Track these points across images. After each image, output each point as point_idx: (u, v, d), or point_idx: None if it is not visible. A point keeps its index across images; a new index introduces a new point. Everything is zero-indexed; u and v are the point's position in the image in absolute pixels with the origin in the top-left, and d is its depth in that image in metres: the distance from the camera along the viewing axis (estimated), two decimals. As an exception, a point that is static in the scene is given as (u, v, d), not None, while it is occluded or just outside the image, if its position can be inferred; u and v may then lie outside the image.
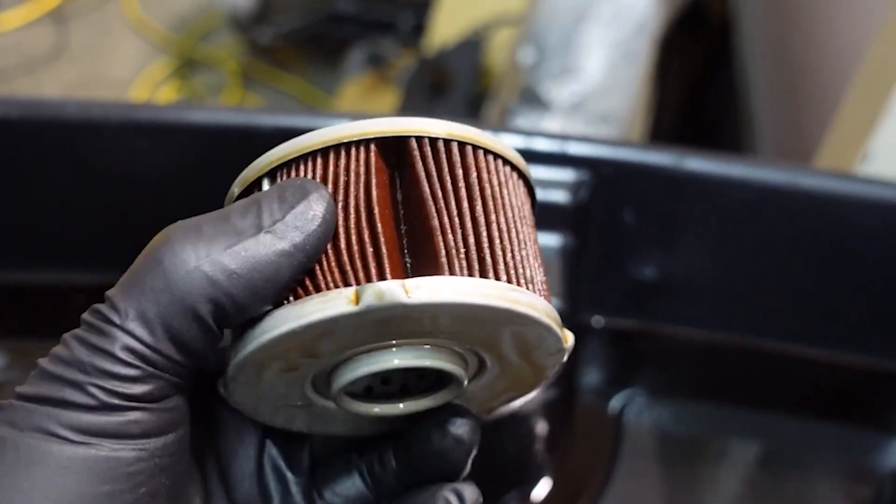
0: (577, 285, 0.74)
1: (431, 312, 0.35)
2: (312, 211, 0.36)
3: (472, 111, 1.54)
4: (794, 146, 1.09)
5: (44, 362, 0.35)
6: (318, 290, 0.36)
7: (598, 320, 0.77)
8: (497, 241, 0.37)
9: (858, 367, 0.75)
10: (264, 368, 0.37)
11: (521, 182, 0.41)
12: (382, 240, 0.36)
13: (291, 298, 0.36)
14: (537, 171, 0.72)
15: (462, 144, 0.39)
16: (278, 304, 0.36)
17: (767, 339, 0.76)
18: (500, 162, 0.40)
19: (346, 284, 0.35)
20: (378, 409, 0.40)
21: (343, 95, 1.84)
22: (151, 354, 0.34)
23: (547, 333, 0.38)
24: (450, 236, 0.36)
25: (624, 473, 0.72)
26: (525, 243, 0.39)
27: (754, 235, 0.74)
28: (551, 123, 1.32)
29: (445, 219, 0.37)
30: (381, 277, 0.35)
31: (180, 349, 0.35)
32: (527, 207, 0.41)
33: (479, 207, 0.38)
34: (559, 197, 0.72)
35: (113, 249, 0.79)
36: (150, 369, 0.34)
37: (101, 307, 0.35)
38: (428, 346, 0.37)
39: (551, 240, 0.72)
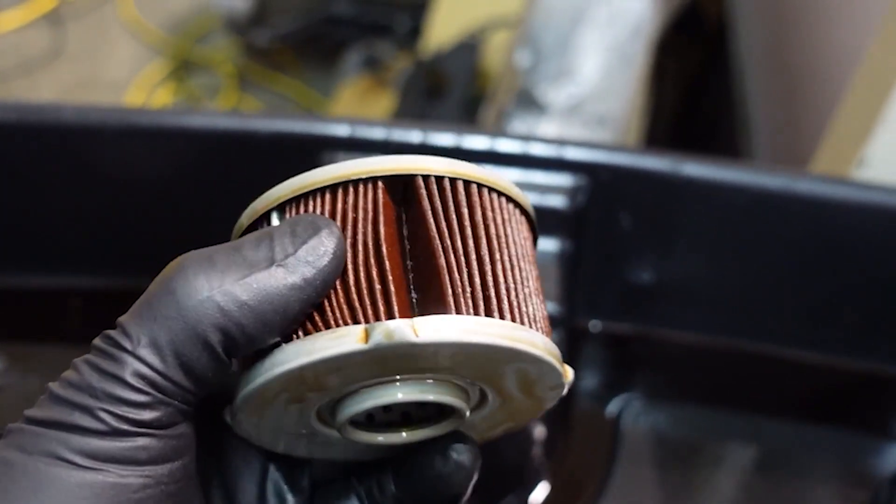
0: (574, 289, 0.74)
1: (437, 350, 0.36)
2: (324, 247, 0.36)
3: (468, 114, 1.54)
4: (790, 151, 1.10)
5: (54, 386, 0.35)
6: (327, 325, 0.36)
7: (595, 324, 0.77)
8: (501, 279, 0.38)
9: (854, 371, 0.75)
10: (271, 400, 0.38)
11: (523, 218, 0.42)
12: (390, 277, 0.37)
13: (301, 333, 0.37)
14: (534, 176, 0.73)
15: (467, 183, 0.40)
16: (287, 338, 0.37)
17: (764, 344, 0.76)
18: (503, 199, 0.41)
19: (355, 321, 0.36)
20: (381, 438, 0.40)
21: (339, 98, 1.84)
22: (162, 381, 0.35)
23: (548, 370, 0.39)
24: (456, 275, 0.37)
25: (621, 477, 0.72)
26: (527, 280, 0.40)
27: (751, 240, 0.74)
28: (548, 126, 1.33)
29: (452, 257, 0.37)
30: (390, 315, 0.36)
31: (190, 377, 0.35)
32: (529, 244, 0.42)
33: (484, 246, 0.38)
34: (556, 202, 0.72)
35: (110, 253, 0.80)
36: (160, 396, 0.35)
37: (113, 333, 0.35)
38: (431, 381, 0.38)
39: (549, 244, 0.72)
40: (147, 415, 0.35)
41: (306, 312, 0.37)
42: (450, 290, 0.37)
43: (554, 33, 1.39)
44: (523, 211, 0.42)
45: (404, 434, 0.40)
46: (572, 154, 0.72)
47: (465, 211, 0.39)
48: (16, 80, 2.14)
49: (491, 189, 0.40)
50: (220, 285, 0.35)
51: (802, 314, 0.76)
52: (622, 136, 1.34)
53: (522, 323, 0.38)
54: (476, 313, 0.37)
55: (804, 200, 0.72)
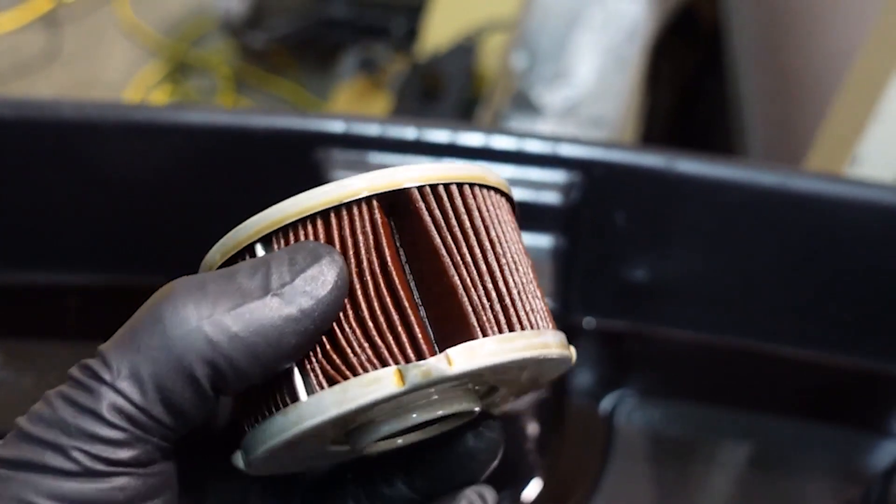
0: (568, 287, 0.74)
1: (468, 376, 0.36)
2: (324, 276, 0.34)
3: (464, 116, 1.54)
4: (784, 151, 1.10)
5: (23, 422, 0.33)
6: (350, 366, 0.35)
7: (589, 321, 0.77)
8: (512, 285, 0.38)
9: (848, 368, 0.75)
10: (296, 446, 0.36)
11: (507, 205, 0.41)
12: (406, 306, 0.35)
13: (320, 374, 0.35)
14: (529, 173, 0.73)
15: (461, 186, 0.38)
16: (304, 372, 0.35)
17: (758, 341, 0.76)
18: (493, 194, 0.40)
19: (381, 360, 0.35)
20: (400, 441, 0.40)
21: (336, 100, 1.85)
22: (140, 416, 0.33)
23: (561, 361, 0.39)
24: (473, 293, 0.36)
25: (615, 474, 0.72)
26: (527, 275, 0.40)
27: (745, 237, 0.74)
28: (543, 128, 1.33)
29: (465, 273, 0.36)
30: (415, 348, 0.35)
31: (171, 412, 0.33)
32: (517, 232, 0.41)
33: (490, 254, 0.38)
34: (551, 198, 0.72)
35: (108, 250, 0.80)
36: (138, 432, 0.33)
37: (92, 362, 0.33)
38: (436, 397, 0.37)
39: (543, 241, 0.72)
40: (124, 453, 0.32)
41: (305, 346, 0.34)
42: (470, 310, 0.36)
43: (550, 36, 1.39)
44: (506, 197, 0.41)
45: (419, 435, 0.40)
46: (567, 150, 0.72)
47: (466, 219, 0.37)
48: (12, 81, 2.14)
49: (482, 186, 0.39)
50: (211, 315, 0.33)
51: (796, 311, 0.76)
52: (617, 138, 1.34)
53: (536, 325, 0.38)
54: (499, 329, 0.36)
55: (798, 197, 0.72)
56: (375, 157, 0.72)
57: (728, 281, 0.76)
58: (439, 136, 0.72)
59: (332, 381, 0.35)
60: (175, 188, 0.77)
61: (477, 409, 0.39)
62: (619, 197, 0.73)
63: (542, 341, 0.37)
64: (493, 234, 0.38)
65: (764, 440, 0.76)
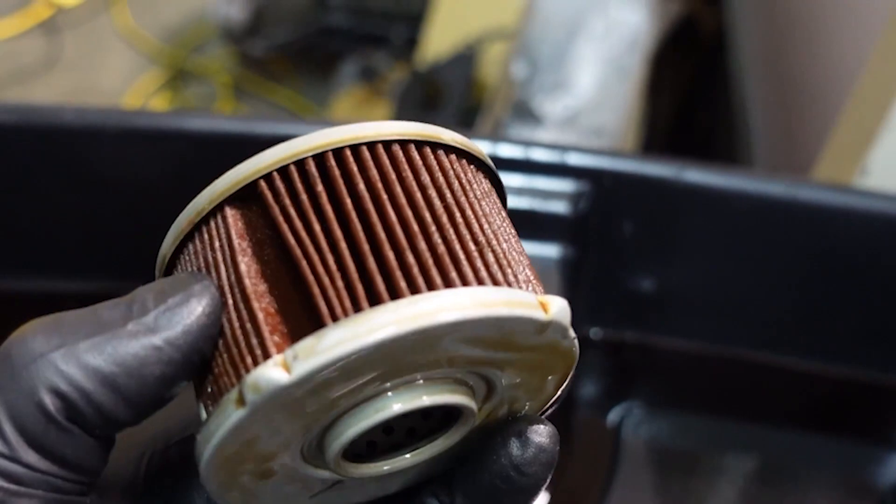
0: (575, 297, 0.74)
1: (320, 380, 0.30)
2: (190, 305, 0.31)
3: (464, 125, 1.54)
4: (790, 161, 1.10)
5: None
6: (220, 393, 0.31)
7: (596, 332, 0.76)
8: (388, 244, 0.32)
9: (856, 379, 0.75)
10: (240, 486, 0.33)
11: (406, 150, 0.34)
12: (260, 316, 0.31)
13: (210, 405, 0.32)
14: (537, 182, 0.72)
15: (320, 156, 0.33)
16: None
17: (765, 352, 0.76)
18: (379, 148, 0.33)
19: (239, 380, 0.31)
20: (387, 466, 0.35)
21: (335, 108, 1.84)
22: (10, 466, 0.29)
23: (497, 322, 0.31)
24: (320, 268, 0.31)
25: (621, 486, 0.71)
26: (450, 220, 0.33)
27: (753, 248, 0.74)
28: (544, 137, 1.33)
29: (311, 250, 0.31)
30: (266, 358, 0.30)
31: (48, 457, 0.30)
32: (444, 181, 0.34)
33: (357, 222, 0.32)
34: (558, 207, 0.71)
35: (105, 257, 0.79)
36: (12, 486, 0.29)
37: None
38: (421, 381, 0.32)
39: (550, 251, 0.72)
40: None
41: (175, 378, 0.31)
42: (318, 292, 0.31)
43: (550, 45, 1.39)
44: (428, 144, 0.35)
45: (408, 456, 0.35)
46: (575, 160, 0.72)
47: (322, 190, 0.32)
48: (11, 88, 2.13)
49: (357, 146, 0.33)
50: (62, 344, 0.30)
51: (803, 322, 0.76)
52: (619, 147, 1.34)
53: (431, 286, 0.31)
54: (357, 307, 0.30)
55: (806, 208, 0.72)
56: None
57: (735, 291, 0.76)
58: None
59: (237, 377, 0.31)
60: (174, 195, 0.76)
61: (472, 406, 0.33)
62: (627, 206, 0.73)
63: (416, 310, 0.29)
64: (359, 194, 0.32)
65: (771, 452, 0.76)
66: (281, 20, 2.06)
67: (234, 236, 0.33)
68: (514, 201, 0.68)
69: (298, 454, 0.33)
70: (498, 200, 0.37)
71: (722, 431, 0.76)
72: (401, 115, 1.60)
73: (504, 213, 0.37)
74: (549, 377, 0.36)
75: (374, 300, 0.30)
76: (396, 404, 0.32)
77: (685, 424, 0.76)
